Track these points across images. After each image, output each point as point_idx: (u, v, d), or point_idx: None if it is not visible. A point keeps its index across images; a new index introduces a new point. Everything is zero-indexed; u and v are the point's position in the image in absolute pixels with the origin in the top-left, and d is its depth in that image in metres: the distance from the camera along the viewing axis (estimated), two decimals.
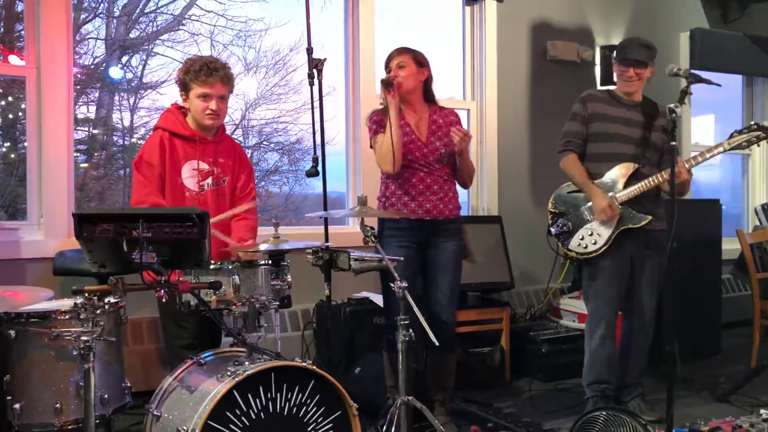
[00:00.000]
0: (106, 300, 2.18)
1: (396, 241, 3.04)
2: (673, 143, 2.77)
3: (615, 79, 3.43)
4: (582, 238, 3.27)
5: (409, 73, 3.09)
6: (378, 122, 3.09)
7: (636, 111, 3.31)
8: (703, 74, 2.96)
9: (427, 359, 3.30)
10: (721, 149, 3.15)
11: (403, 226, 3.06)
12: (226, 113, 2.95)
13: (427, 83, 3.19)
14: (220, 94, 2.81)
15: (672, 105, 2.73)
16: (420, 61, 3.13)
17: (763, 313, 4.22)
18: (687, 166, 3.13)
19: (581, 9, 5.11)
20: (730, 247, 4.89)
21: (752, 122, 3.20)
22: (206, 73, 2.76)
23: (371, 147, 3.16)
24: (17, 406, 2.23)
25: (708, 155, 3.16)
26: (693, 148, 5.66)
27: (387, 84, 3.00)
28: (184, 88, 2.81)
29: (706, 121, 6.22)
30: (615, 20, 5.24)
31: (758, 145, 3.19)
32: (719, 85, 3.04)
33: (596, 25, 5.16)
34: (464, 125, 4.71)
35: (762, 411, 2.86)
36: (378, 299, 3.76)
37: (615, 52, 3.42)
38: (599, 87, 5.05)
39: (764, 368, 3.76)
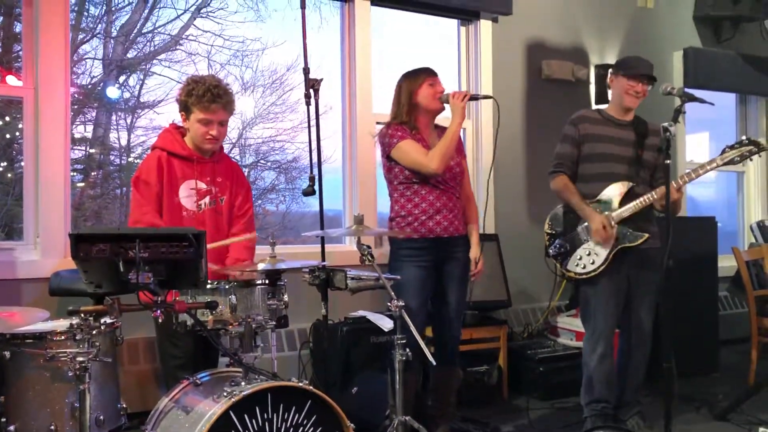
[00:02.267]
0: (102, 320, 2.16)
1: (414, 261, 3.04)
2: (668, 161, 2.79)
3: (611, 96, 3.42)
4: (580, 258, 3.26)
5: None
6: (402, 130, 3.08)
7: (628, 130, 3.32)
8: (697, 93, 2.99)
9: (428, 377, 3.29)
10: (714, 165, 3.14)
11: (422, 245, 3.06)
12: (225, 136, 2.95)
13: None
14: (220, 120, 2.80)
15: (666, 124, 2.75)
16: None
17: (760, 331, 4.22)
18: (676, 185, 3.11)
19: (576, 28, 5.16)
20: (727, 264, 4.90)
21: (743, 137, 3.17)
22: (209, 100, 2.73)
23: (389, 158, 3.10)
24: (12, 428, 2.21)
25: (701, 172, 3.15)
26: (688, 166, 5.69)
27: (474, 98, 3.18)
28: (185, 109, 2.80)
29: (701, 138, 6.26)
30: (609, 39, 5.29)
31: (751, 160, 3.16)
32: (712, 104, 3.06)
33: (591, 45, 5.21)
34: None
35: (761, 429, 2.86)
36: (375, 318, 3.74)
37: (618, 67, 3.36)
38: (594, 106, 5.07)
39: (763, 386, 3.74)
